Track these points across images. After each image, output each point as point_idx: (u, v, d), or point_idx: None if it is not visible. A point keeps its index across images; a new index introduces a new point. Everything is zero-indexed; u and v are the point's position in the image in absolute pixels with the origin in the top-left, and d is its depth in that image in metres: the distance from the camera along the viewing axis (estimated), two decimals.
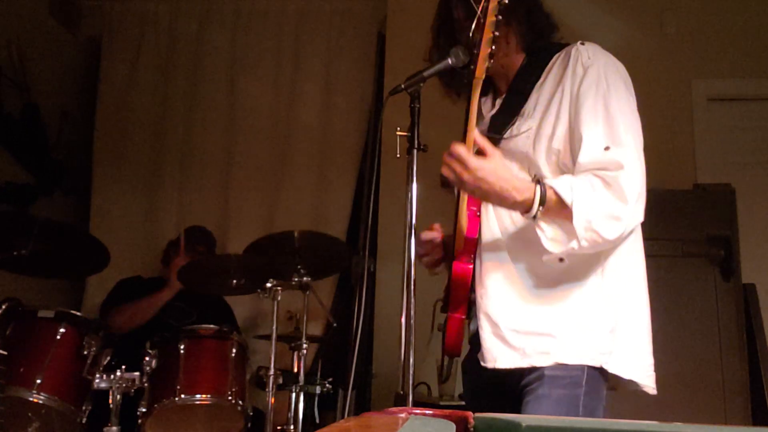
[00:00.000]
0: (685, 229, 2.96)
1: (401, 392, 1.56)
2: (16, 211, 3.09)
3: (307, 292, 2.67)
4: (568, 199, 1.40)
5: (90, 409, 2.32)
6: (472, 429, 0.95)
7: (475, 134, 1.49)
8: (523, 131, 1.62)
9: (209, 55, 3.98)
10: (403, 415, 0.96)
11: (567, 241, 1.42)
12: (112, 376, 2.23)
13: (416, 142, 1.72)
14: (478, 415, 0.96)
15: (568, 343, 1.49)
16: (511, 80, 1.73)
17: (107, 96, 3.97)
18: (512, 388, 1.55)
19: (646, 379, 1.53)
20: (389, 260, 3.32)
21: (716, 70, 3.42)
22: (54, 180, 3.76)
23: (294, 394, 2.61)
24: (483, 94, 1.78)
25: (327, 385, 2.66)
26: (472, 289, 1.66)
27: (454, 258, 1.67)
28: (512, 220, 1.60)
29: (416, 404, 1.38)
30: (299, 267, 2.63)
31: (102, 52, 4.03)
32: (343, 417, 2.94)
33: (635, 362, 1.52)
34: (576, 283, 1.54)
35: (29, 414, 2.22)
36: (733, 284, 3.04)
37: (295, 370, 2.68)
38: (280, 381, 2.54)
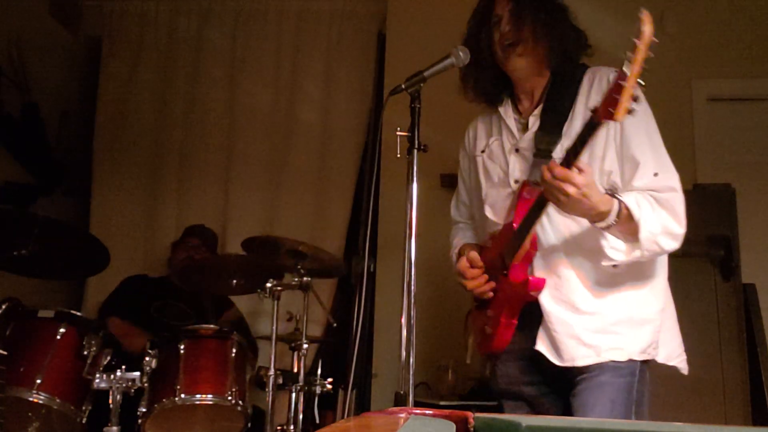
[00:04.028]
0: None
1: (401, 392, 1.56)
2: (16, 211, 3.08)
3: (307, 292, 2.67)
4: (636, 215, 1.56)
5: (90, 409, 2.32)
6: (472, 429, 0.95)
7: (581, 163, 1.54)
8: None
9: (209, 55, 3.98)
10: (403, 415, 0.96)
11: (630, 251, 1.60)
12: (112, 376, 2.23)
13: (416, 142, 1.72)
14: (478, 415, 0.96)
15: (632, 340, 1.68)
16: (538, 97, 1.83)
17: (107, 96, 3.97)
18: (564, 376, 1.70)
19: (682, 363, 1.78)
20: (389, 260, 3.32)
21: (716, 70, 3.42)
22: (54, 180, 3.76)
23: (294, 394, 2.60)
24: (497, 102, 1.89)
25: (327, 385, 2.66)
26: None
27: (507, 269, 1.75)
28: (570, 232, 1.72)
29: (416, 404, 1.38)
30: (299, 267, 2.63)
31: (102, 52, 4.02)
32: (343, 417, 2.94)
33: (676, 351, 1.77)
34: (630, 285, 1.71)
35: (29, 414, 2.22)
36: (733, 284, 3.05)
37: (295, 370, 2.68)
38: (280, 381, 2.54)
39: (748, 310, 3.06)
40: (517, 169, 1.80)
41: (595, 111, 1.48)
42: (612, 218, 1.56)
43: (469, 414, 0.96)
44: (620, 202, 1.56)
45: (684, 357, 1.78)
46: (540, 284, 1.71)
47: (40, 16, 3.85)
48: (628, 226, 1.58)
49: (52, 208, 3.62)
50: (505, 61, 1.80)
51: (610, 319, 1.70)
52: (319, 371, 2.72)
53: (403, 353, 1.57)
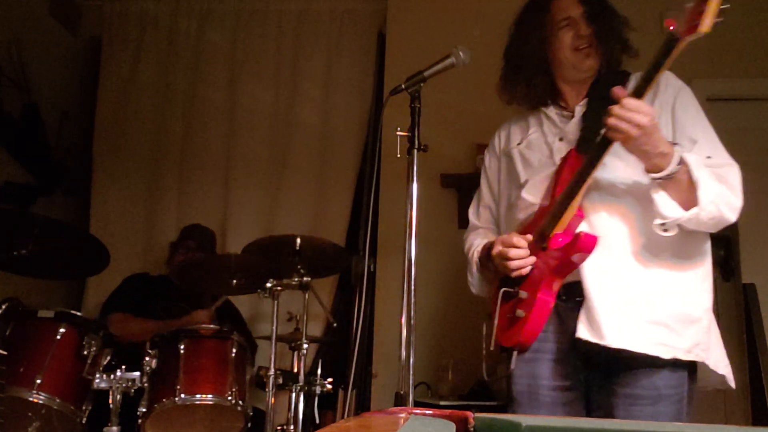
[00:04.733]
0: None
1: (401, 392, 1.56)
2: (16, 211, 3.08)
3: (307, 292, 2.67)
4: (695, 174, 1.52)
5: (90, 409, 2.32)
6: (472, 429, 0.95)
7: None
8: None
9: (209, 55, 3.98)
10: (403, 415, 0.96)
11: (685, 208, 1.53)
12: (112, 376, 2.23)
13: (416, 142, 1.72)
14: (478, 415, 0.96)
15: (679, 336, 1.61)
16: (583, 95, 1.83)
17: (107, 96, 3.96)
18: (603, 368, 1.65)
19: (730, 374, 1.68)
20: (389, 260, 3.32)
21: (716, 70, 3.41)
22: (54, 180, 3.76)
23: (294, 394, 2.61)
24: (542, 104, 1.88)
25: (327, 385, 2.66)
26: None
27: (546, 243, 1.67)
28: (617, 198, 1.67)
29: (416, 404, 1.38)
30: (299, 267, 2.63)
31: (102, 52, 4.02)
32: (343, 417, 2.94)
33: (723, 359, 1.69)
34: (678, 266, 1.66)
35: (29, 414, 2.22)
36: (733, 284, 3.04)
37: (295, 370, 2.68)
38: (280, 381, 2.54)
39: (748, 310, 3.06)
40: (563, 152, 1.77)
41: (671, 31, 1.44)
42: (674, 165, 1.52)
43: (469, 414, 0.96)
44: (680, 155, 1.53)
45: (730, 367, 1.70)
46: (592, 242, 1.59)
47: (40, 16, 3.85)
48: (686, 184, 1.53)
49: (52, 208, 3.62)
50: (577, 63, 1.80)
51: (658, 307, 1.62)
52: (319, 371, 2.72)
53: (403, 353, 1.57)
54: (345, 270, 3.39)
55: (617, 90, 1.53)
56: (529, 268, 1.70)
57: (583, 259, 1.62)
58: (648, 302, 1.62)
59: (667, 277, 1.65)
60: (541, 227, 1.70)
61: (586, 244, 1.59)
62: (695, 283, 1.68)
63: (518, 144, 1.90)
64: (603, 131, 1.56)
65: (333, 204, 3.73)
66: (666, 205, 1.54)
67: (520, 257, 1.70)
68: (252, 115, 3.88)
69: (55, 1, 3.94)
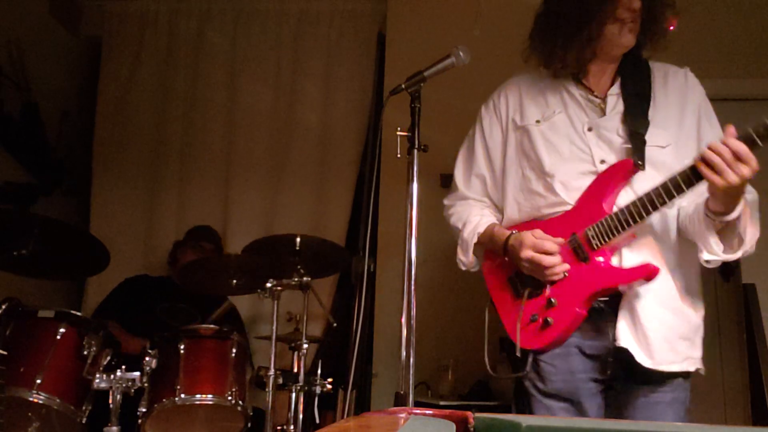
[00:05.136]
0: None
1: (401, 392, 1.56)
2: (16, 211, 3.08)
3: (307, 292, 2.66)
4: (751, 217, 1.59)
5: (90, 409, 2.32)
6: (472, 429, 0.94)
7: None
8: (664, 145, 1.70)
9: (209, 55, 3.98)
10: (403, 415, 0.96)
11: (736, 248, 1.60)
12: (112, 376, 2.22)
13: (416, 142, 1.72)
14: (478, 415, 0.96)
15: (697, 349, 1.72)
16: (609, 76, 1.79)
17: (107, 96, 3.96)
18: (637, 377, 1.67)
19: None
20: (389, 260, 3.32)
21: (716, 70, 3.42)
22: (54, 180, 3.76)
23: (294, 394, 2.60)
24: (571, 75, 1.80)
25: (327, 385, 2.66)
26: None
27: (586, 254, 1.67)
28: (668, 224, 1.70)
29: (416, 404, 1.38)
30: (299, 267, 2.63)
31: (102, 52, 4.02)
32: (343, 417, 2.94)
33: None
34: (699, 288, 1.74)
35: (29, 414, 2.21)
36: (733, 284, 3.04)
37: (295, 370, 2.68)
38: (280, 381, 2.53)
39: (748, 310, 3.06)
40: (601, 150, 1.71)
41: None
42: (739, 210, 1.53)
43: (469, 414, 0.96)
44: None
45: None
46: (654, 275, 1.60)
47: (40, 16, 3.85)
48: (735, 222, 1.56)
49: (52, 208, 3.62)
50: (620, 36, 1.70)
51: (683, 320, 1.69)
52: (319, 371, 2.72)
53: (403, 353, 1.57)
54: (345, 270, 3.39)
55: (723, 145, 1.47)
56: (562, 275, 1.69)
57: (633, 286, 1.64)
58: (678, 316, 1.68)
59: (687, 289, 1.71)
60: (582, 237, 1.67)
61: (649, 276, 1.61)
62: (699, 289, 1.74)
63: (537, 121, 1.80)
64: (696, 163, 1.51)
65: (333, 204, 3.73)
66: (717, 245, 1.60)
67: (555, 265, 1.67)
68: (252, 115, 3.88)
69: (55, 1, 3.94)
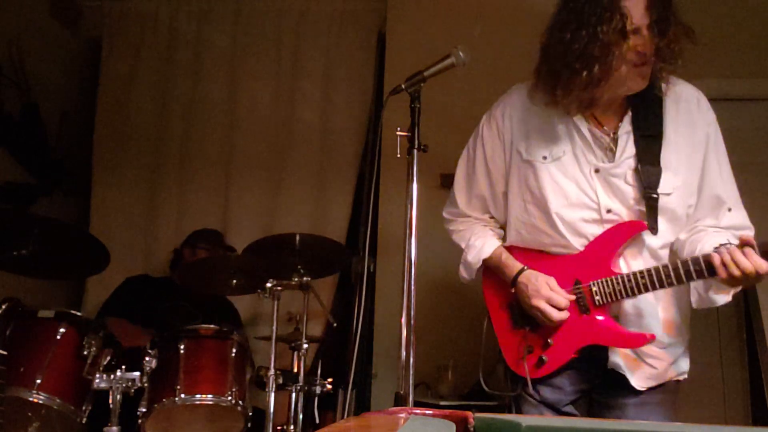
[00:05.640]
0: None
1: (401, 392, 1.56)
2: (16, 211, 3.08)
3: (307, 292, 2.67)
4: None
5: (90, 409, 2.32)
6: (472, 429, 0.95)
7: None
8: (670, 192, 1.68)
9: (209, 55, 3.98)
10: (403, 415, 0.96)
11: (728, 294, 1.64)
12: (112, 376, 2.23)
13: (416, 142, 1.72)
14: (478, 415, 0.96)
15: (686, 358, 1.78)
16: (618, 110, 1.72)
17: (107, 96, 3.96)
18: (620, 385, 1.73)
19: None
20: (389, 260, 3.32)
21: (716, 70, 3.42)
22: (54, 180, 3.76)
23: (294, 394, 2.60)
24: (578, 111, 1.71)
25: (327, 385, 2.66)
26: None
27: (587, 306, 1.72)
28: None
29: (416, 404, 1.38)
30: (299, 267, 2.63)
31: (102, 52, 4.02)
32: (343, 417, 2.94)
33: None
34: (686, 309, 1.77)
35: (29, 414, 2.21)
36: None
37: (295, 370, 2.68)
38: (280, 381, 2.53)
39: (748, 310, 3.06)
40: (608, 198, 1.70)
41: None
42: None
43: (469, 414, 0.96)
44: None
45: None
46: (650, 341, 1.67)
47: (40, 16, 3.85)
48: None
49: (52, 208, 3.62)
50: (628, 80, 1.60)
51: (679, 345, 1.76)
52: (319, 371, 2.72)
53: (403, 353, 1.57)
54: (345, 270, 3.38)
55: (743, 257, 1.50)
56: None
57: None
58: (679, 333, 1.75)
59: (686, 321, 1.78)
60: (586, 289, 1.71)
61: (639, 344, 1.68)
62: (689, 314, 1.80)
63: (544, 158, 1.74)
64: (712, 259, 1.54)
65: (333, 204, 3.73)
66: (716, 296, 1.65)
67: (562, 319, 1.71)
68: (252, 115, 3.88)
69: (55, 1, 3.94)
